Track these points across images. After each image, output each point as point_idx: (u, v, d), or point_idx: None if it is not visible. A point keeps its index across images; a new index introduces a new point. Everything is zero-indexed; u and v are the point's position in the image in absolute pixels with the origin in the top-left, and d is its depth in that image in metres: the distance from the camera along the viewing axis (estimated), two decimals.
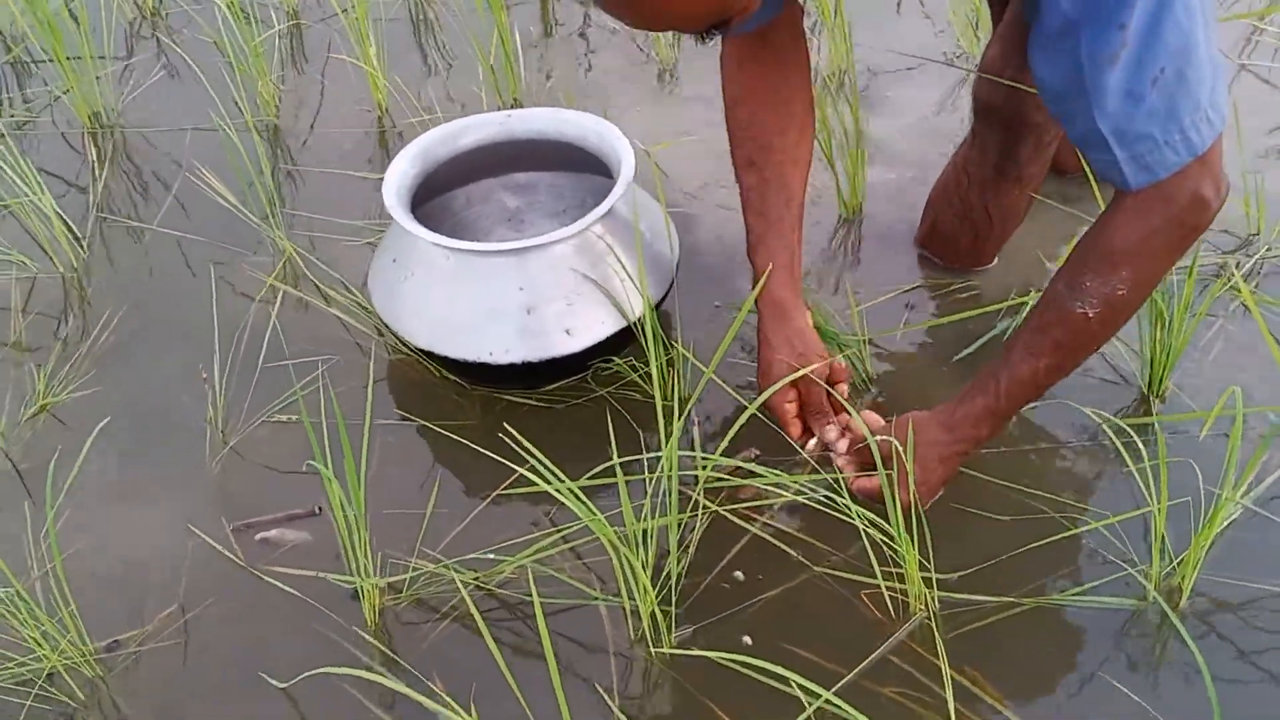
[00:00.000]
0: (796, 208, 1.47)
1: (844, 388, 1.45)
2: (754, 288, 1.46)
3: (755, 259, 1.47)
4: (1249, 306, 1.50)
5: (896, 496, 1.27)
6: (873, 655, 1.27)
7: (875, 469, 1.34)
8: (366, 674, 1.24)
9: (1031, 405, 1.50)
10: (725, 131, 1.49)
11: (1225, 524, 1.31)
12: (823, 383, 1.44)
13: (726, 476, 1.42)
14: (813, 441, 1.44)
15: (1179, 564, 1.30)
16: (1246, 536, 1.35)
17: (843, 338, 1.57)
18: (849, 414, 1.41)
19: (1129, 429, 1.39)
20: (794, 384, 1.44)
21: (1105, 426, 1.40)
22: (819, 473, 1.42)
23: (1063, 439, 1.49)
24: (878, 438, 1.33)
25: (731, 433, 1.34)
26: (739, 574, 1.37)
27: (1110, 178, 1.18)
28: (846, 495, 1.31)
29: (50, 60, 2.28)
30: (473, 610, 1.19)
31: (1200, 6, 1.07)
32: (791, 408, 1.45)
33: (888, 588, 1.31)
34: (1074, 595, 1.31)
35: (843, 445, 1.42)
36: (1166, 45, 1.07)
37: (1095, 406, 1.45)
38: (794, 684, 1.15)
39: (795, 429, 1.46)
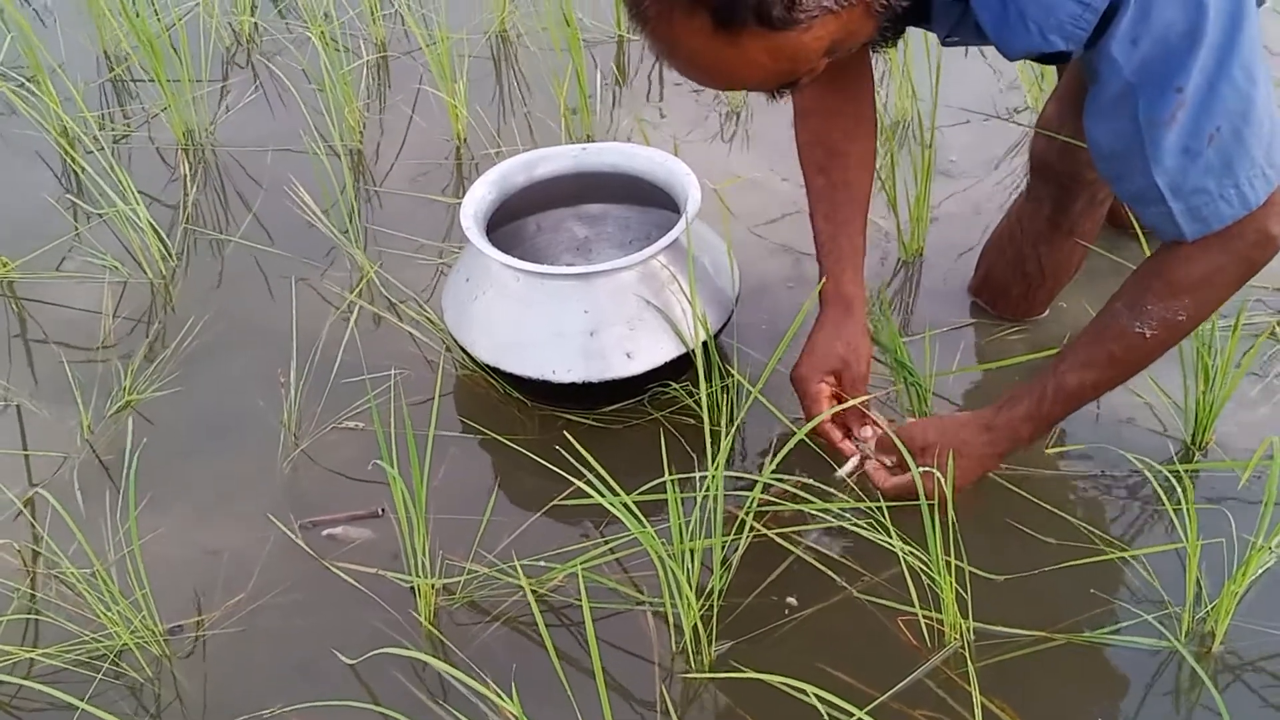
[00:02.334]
0: (863, 212, 1.54)
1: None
2: (823, 285, 1.53)
3: (825, 260, 1.54)
4: None
5: (935, 519, 1.31)
6: (907, 679, 1.31)
7: (903, 465, 1.40)
8: (425, 656, 1.31)
9: (1080, 447, 1.55)
10: (790, 173, 1.56)
11: (1260, 572, 1.34)
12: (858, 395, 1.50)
13: (773, 499, 1.48)
14: (850, 464, 1.48)
15: (1212, 609, 1.33)
16: None
17: (916, 374, 1.62)
18: (880, 424, 1.49)
19: (1169, 475, 1.42)
20: (835, 373, 1.51)
21: (1148, 472, 1.44)
22: (854, 491, 1.49)
23: (1107, 482, 1.53)
24: (909, 433, 1.40)
25: (781, 454, 1.39)
26: (793, 600, 1.42)
27: (1165, 230, 1.23)
28: (878, 500, 1.38)
29: (150, 80, 2.40)
30: (534, 611, 1.24)
31: (1257, 67, 1.12)
32: (823, 387, 1.50)
33: (924, 616, 1.35)
34: (1106, 634, 1.34)
35: (872, 441, 1.48)
36: (1224, 105, 1.12)
37: (1140, 454, 1.49)
38: (827, 702, 1.19)
39: (819, 406, 1.50)
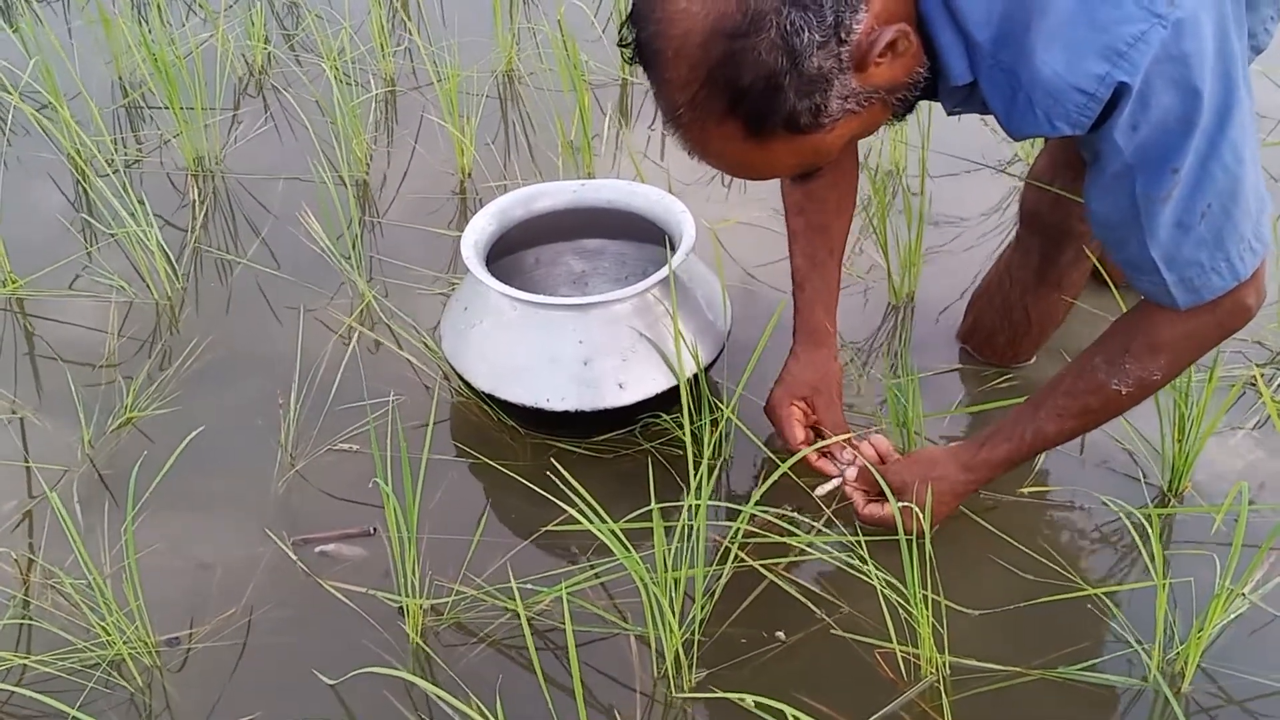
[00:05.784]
0: (838, 253, 1.61)
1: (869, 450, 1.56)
2: (795, 319, 1.61)
3: (798, 295, 1.62)
4: (1272, 416, 1.58)
5: (914, 555, 1.34)
6: (882, 711, 1.34)
7: (884, 495, 1.45)
8: (409, 676, 1.34)
9: (1059, 489, 1.59)
10: (783, 217, 1.61)
11: (1232, 616, 1.37)
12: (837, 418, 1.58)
13: (757, 529, 1.51)
14: (829, 485, 1.53)
15: (1181, 651, 1.36)
16: (1257, 630, 1.41)
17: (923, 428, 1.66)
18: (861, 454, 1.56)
19: (1144, 519, 1.46)
20: (805, 399, 1.59)
21: (1121, 515, 1.47)
22: (833, 510, 1.54)
23: (1085, 523, 1.57)
24: (889, 465, 1.46)
25: (765, 485, 1.42)
26: (781, 634, 1.45)
27: (1160, 299, 1.28)
28: (855, 526, 1.44)
29: (164, 108, 2.45)
30: (526, 634, 1.28)
31: (1245, 148, 1.17)
32: (795, 410, 1.59)
33: (901, 649, 1.38)
34: (1079, 671, 1.37)
35: (852, 472, 1.54)
36: (1215, 184, 1.17)
37: (1118, 498, 1.53)
38: None
39: (794, 434, 1.58)
